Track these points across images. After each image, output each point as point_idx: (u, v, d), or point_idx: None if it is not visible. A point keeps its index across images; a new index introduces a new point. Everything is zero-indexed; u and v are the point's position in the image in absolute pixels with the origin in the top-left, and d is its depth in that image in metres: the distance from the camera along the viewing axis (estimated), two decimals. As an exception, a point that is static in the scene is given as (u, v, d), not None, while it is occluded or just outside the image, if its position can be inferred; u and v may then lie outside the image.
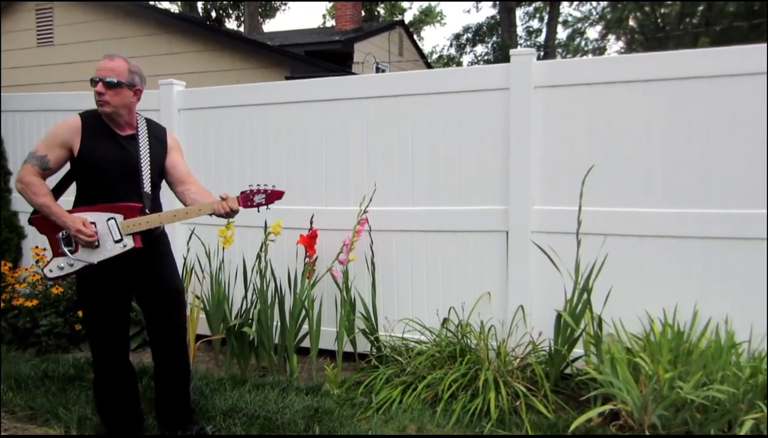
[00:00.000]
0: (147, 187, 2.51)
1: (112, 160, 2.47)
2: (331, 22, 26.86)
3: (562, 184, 3.31)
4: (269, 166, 3.99)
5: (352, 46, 10.59)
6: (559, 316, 3.10)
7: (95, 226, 2.43)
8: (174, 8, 19.90)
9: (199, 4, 21.15)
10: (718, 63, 3.02)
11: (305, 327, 3.67)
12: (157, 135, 2.63)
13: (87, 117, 2.53)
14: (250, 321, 3.62)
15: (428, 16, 24.46)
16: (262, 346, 3.60)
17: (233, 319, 3.70)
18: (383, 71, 12.31)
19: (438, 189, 3.60)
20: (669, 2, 18.85)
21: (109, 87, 2.43)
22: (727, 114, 3.01)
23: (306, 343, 3.70)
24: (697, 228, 3.08)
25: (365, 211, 3.59)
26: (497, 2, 19.30)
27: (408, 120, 3.64)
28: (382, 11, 21.70)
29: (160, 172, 2.61)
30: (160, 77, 5.75)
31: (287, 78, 7.22)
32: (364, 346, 3.68)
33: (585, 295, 3.01)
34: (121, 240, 2.45)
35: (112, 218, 2.45)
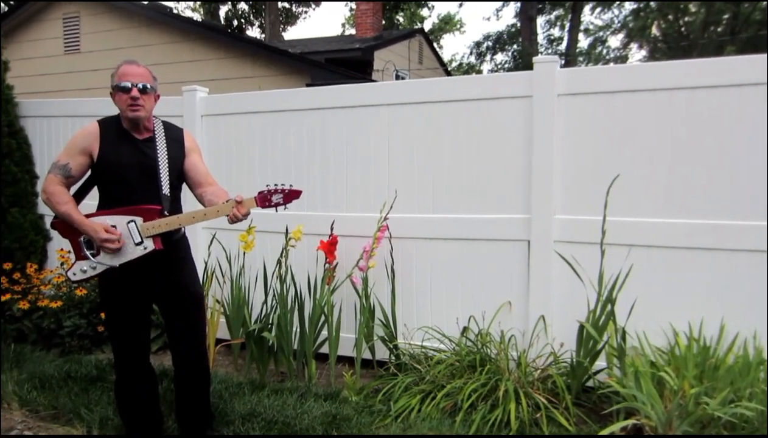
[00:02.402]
0: (166, 189, 2.52)
1: (130, 164, 2.49)
2: (351, 31, 27.04)
3: (585, 193, 3.28)
4: (290, 172, 4.01)
5: (372, 53, 10.63)
6: (581, 328, 3.06)
7: (116, 229, 2.46)
8: (196, 17, 20.19)
9: (221, 13, 21.48)
10: (744, 71, 2.96)
11: (324, 333, 3.67)
12: (175, 137, 2.65)
13: (105, 123, 2.56)
14: (269, 326, 3.63)
15: (447, 24, 24.46)
16: (281, 351, 3.60)
17: (253, 323, 3.71)
18: (403, 79, 12.33)
19: (459, 197, 3.58)
20: (693, 10, 18.60)
21: (142, 92, 2.47)
22: (753, 123, 2.95)
23: (324, 349, 3.69)
24: (724, 240, 3.02)
25: (386, 218, 3.58)
26: (518, 11, 19.23)
27: (429, 127, 3.63)
28: (401, 19, 21.76)
29: (178, 174, 2.62)
30: (183, 84, 5.80)
31: (308, 85, 7.27)
32: (382, 353, 3.67)
33: (609, 307, 2.96)
34: (141, 242, 2.46)
35: (132, 221, 2.46)
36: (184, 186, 2.70)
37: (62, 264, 4.48)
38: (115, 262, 2.48)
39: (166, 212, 2.50)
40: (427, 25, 24.16)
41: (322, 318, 3.61)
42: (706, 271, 3.06)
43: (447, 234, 3.61)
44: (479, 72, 21.93)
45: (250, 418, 2.99)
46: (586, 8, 19.39)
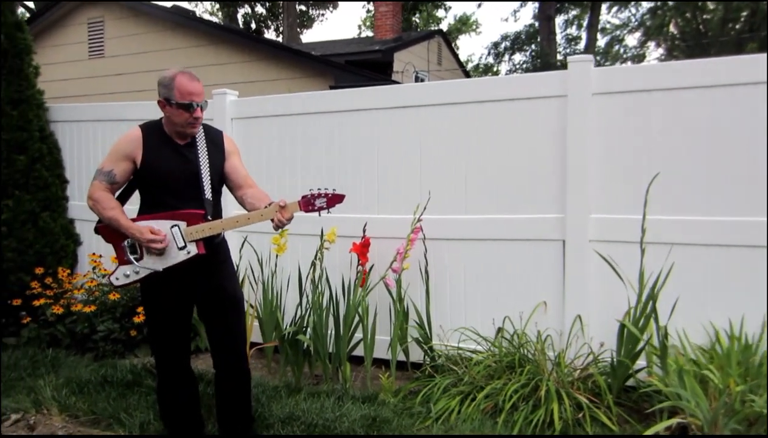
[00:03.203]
0: (208, 193, 2.54)
1: (173, 169, 2.51)
2: (367, 32, 27.09)
3: (621, 192, 3.25)
4: (321, 174, 4.01)
5: (392, 55, 10.65)
6: (622, 327, 3.03)
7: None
8: (215, 20, 20.34)
9: (239, 16, 21.66)
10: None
11: (357, 335, 3.67)
12: (215, 140, 2.66)
13: (147, 128, 2.58)
14: (304, 329, 3.63)
15: (465, 25, 24.42)
16: (316, 354, 3.61)
17: (286, 326, 3.72)
18: (422, 80, 12.33)
19: (492, 197, 3.57)
20: (711, 7, 18.38)
21: (202, 110, 2.50)
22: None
23: (357, 352, 3.69)
24: (762, 237, 2.97)
25: (419, 220, 3.58)
26: (536, 11, 19.14)
27: (460, 128, 3.62)
28: (418, 21, 21.77)
29: (219, 178, 2.64)
30: (208, 87, 5.77)
31: (331, 87, 7.30)
32: (415, 355, 3.66)
33: (650, 305, 2.93)
34: (185, 247, 2.48)
35: (175, 225, 2.48)
36: (224, 189, 2.71)
37: (94, 268, 4.53)
38: (158, 266, 2.50)
39: (209, 216, 2.51)
40: (444, 26, 24.16)
41: (355, 320, 3.62)
42: (746, 268, 3.02)
43: (480, 235, 3.60)
44: (497, 73, 21.87)
45: (289, 421, 3.00)
46: (603, 7, 19.29)
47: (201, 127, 2.63)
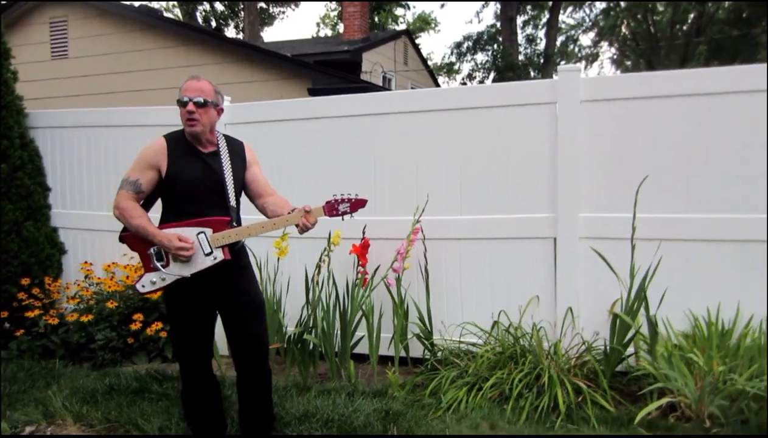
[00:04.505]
0: (232, 200, 2.64)
1: (198, 178, 2.60)
2: (326, 30, 27.04)
3: (609, 192, 3.51)
4: (320, 178, 4.10)
5: (361, 55, 10.76)
6: (614, 317, 3.28)
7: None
8: (172, 17, 19.90)
9: (198, 14, 21.27)
10: (748, 79, 3.24)
11: (357, 334, 3.81)
12: (236, 150, 2.75)
13: (171, 138, 2.66)
14: (310, 328, 3.74)
15: (426, 24, 24.72)
16: (324, 353, 3.72)
17: (287, 328, 3.83)
18: (390, 81, 12.51)
19: (487, 198, 3.76)
20: (661, 9, 19.24)
21: (198, 106, 2.56)
22: (757, 127, 3.22)
23: (356, 350, 3.84)
24: (738, 232, 3.28)
25: (418, 221, 3.74)
26: (498, 11, 19.53)
27: (456, 133, 3.80)
28: (377, 20, 21.90)
29: (241, 187, 2.73)
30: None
31: (309, 89, 7.37)
32: (414, 351, 3.83)
33: (642, 295, 3.18)
34: (211, 253, 2.56)
35: (201, 232, 2.56)
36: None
37: (86, 277, 4.50)
38: (185, 272, 2.57)
39: (234, 223, 2.61)
40: (402, 25, 24.38)
41: (357, 318, 3.76)
42: (723, 261, 3.31)
43: (476, 234, 3.79)
44: (459, 72, 22.37)
45: (305, 419, 3.11)
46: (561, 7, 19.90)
47: (223, 135, 2.73)
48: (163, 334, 4.18)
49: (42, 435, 3.11)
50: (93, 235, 4.78)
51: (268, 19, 23.14)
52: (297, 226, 2.54)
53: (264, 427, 2.85)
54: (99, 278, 4.50)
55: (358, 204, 2.58)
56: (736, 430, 2.79)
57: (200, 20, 21.04)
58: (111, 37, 8.35)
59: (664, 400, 2.96)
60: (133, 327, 4.17)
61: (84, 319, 4.15)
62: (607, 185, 3.50)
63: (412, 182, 3.91)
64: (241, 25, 21.86)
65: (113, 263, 4.55)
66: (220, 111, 2.70)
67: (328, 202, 2.57)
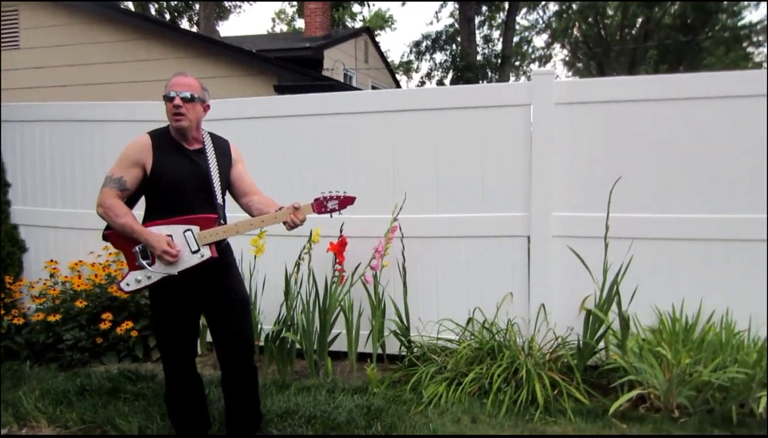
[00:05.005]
0: (219, 198, 2.62)
1: (185, 175, 2.57)
2: (281, 26, 26.74)
3: (579, 192, 3.64)
4: (296, 177, 4.10)
5: (323, 52, 10.71)
6: (588, 313, 3.42)
7: (172, 239, 2.52)
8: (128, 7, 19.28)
9: (152, 7, 20.66)
10: (712, 86, 3.43)
11: (333, 331, 3.84)
12: (222, 148, 2.74)
13: (155, 135, 2.62)
14: (288, 326, 3.74)
15: (383, 21, 24.77)
16: (304, 351, 3.72)
17: (268, 325, 3.82)
18: (351, 78, 12.50)
19: (462, 197, 3.84)
20: (611, 13, 19.94)
21: (185, 101, 2.54)
22: (716, 131, 3.42)
23: (333, 347, 3.87)
24: (699, 231, 3.47)
25: (396, 219, 3.79)
26: (456, 11, 19.74)
27: (433, 133, 3.86)
28: (336, 16, 21.84)
29: (226, 184, 2.72)
30: (138, 84, 5.58)
31: (276, 86, 7.29)
32: (391, 348, 3.87)
33: (615, 292, 3.33)
34: (198, 250, 2.54)
35: (188, 230, 2.53)
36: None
37: (52, 275, 4.36)
38: (171, 270, 2.53)
39: (221, 221, 2.59)
40: (359, 23, 24.37)
41: (336, 316, 3.78)
42: (688, 259, 3.50)
43: (452, 232, 3.87)
44: (418, 71, 22.57)
45: (287, 416, 3.12)
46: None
47: (208, 133, 2.71)
48: (134, 334, 4.09)
49: (16, 436, 3.01)
50: (57, 232, 4.63)
51: (222, 14, 22.73)
52: (285, 223, 2.56)
53: (251, 425, 2.85)
54: (65, 277, 4.36)
55: (346, 201, 2.61)
56: (702, 419, 2.96)
57: (154, 13, 20.48)
58: (66, 29, 8.02)
59: (634, 392, 3.11)
60: (103, 326, 4.07)
61: (51, 318, 4.02)
62: (579, 185, 3.64)
63: (389, 181, 3.96)
64: (195, 19, 21.40)
65: (80, 261, 4.42)
66: (206, 108, 2.68)
67: (316, 200, 2.59)
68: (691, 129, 3.47)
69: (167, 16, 20.92)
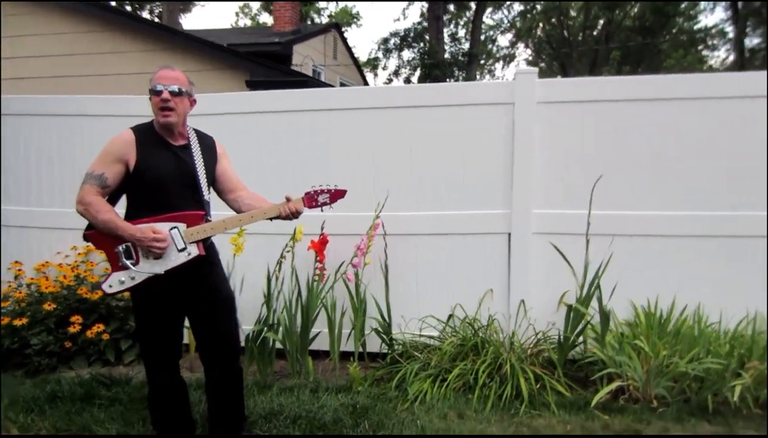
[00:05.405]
0: (206, 194, 2.56)
1: (170, 171, 2.49)
2: (245, 21, 26.33)
3: (559, 190, 3.70)
4: (277, 174, 4.02)
5: (292, 48, 10.58)
6: (569, 308, 3.48)
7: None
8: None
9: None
10: (688, 87, 3.55)
11: (313, 330, 3.80)
12: (207, 143, 2.67)
13: (139, 130, 2.53)
14: (270, 325, 3.68)
15: (351, 18, 24.66)
16: (286, 351, 3.67)
17: (247, 325, 3.75)
18: (320, 74, 12.39)
19: (444, 194, 3.86)
20: (574, 14, 20.38)
21: (174, 95, 2.46)
22: (696, 132, 3.53)
23: (313, 346, 3.83)
24: (674, 228, 3.57)
25: (378, 216, 3.77)
26: (425, 10, 19.82)
27: (415, 129, 3.86)
28: (302, 11, 21.66)
29: (212, 181, 2.66)
30: (104, 77, 5.38)
31: (248, 81, 7.17)
32: (372, 346, 3.86)
33: (595, 286, 3.40)
34: (185, 248, 2.47)
35: (174, 227, 2.46)
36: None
37: (16, 277, 4.18)
38: (157, 269, 2.46)
39: (208, 217, 2.53)
40: (325, 18, 24.21)
41: (317, 314, 3.74)
42: (662, 254, 3.60)
43: (433, 229, 3.88)
44: (385, 68, 22.58)
45: (272, 417, 3.07)
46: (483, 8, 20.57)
47: (193, 129, 2.64)
48: (105, 337, 3.96)
49: (-15, 448, 2.88)
50: (19, 232, 4.43)
51: (185, 6, 22.24)
52: (280, 216, 2.51)
53: (236, 427, 2.80)
54: (31, 278, 4.18)
55: (337, 195, 2.57)
56: (680, 409, 3.05)
57: (114, 5, 19.91)
58: (26, 19, 7.69)
59: (614, 384, 3.19)
60: (72, 330, 3.92)
61: (17, 322, 3.85)
62: (560, 183, 3.70)
63: (370, 179, 3.94)
64: (156, 11, 20.87)
65: (46, 262, 4.25)
66: (193, 102, 2.61)
67: (307, 194, 2.55)
68: (669, 129, 3.57)
69: (128, 8, 20.33)
